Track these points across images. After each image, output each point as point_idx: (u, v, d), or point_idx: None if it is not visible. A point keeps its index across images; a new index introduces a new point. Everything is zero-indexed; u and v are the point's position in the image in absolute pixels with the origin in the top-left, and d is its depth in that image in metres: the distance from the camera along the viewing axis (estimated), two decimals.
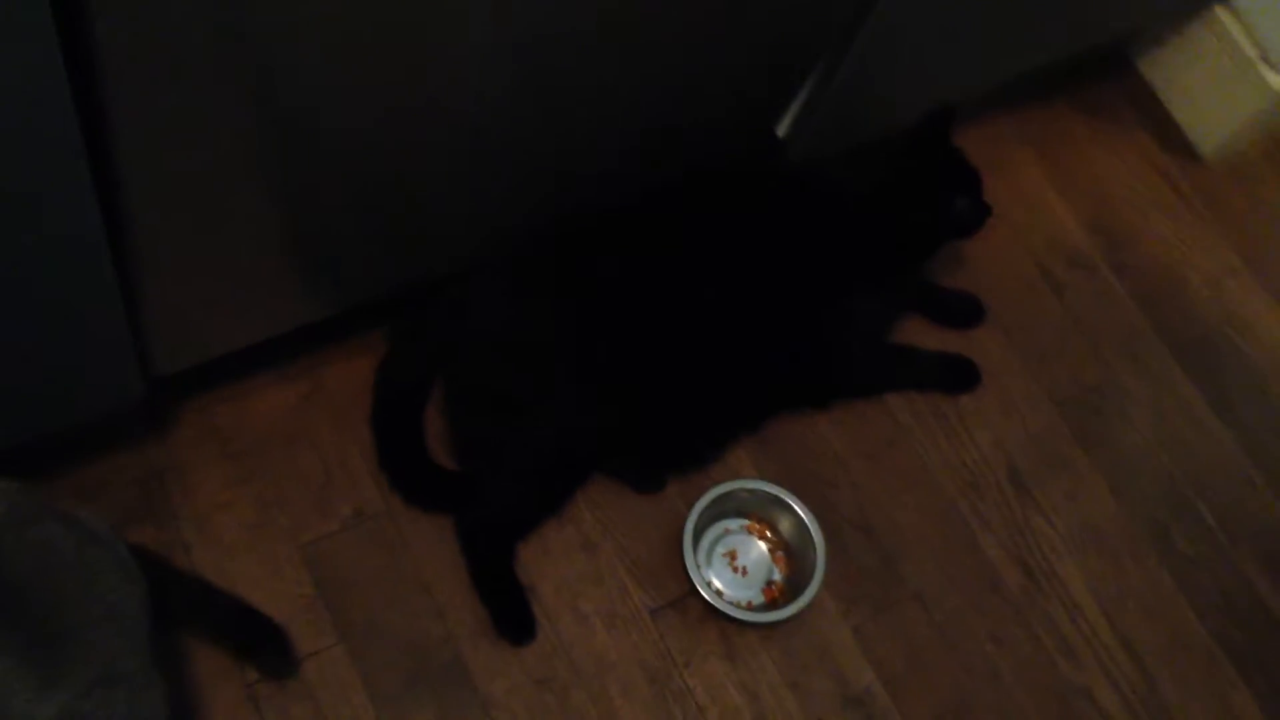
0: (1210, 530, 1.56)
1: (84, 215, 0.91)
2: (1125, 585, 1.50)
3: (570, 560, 1.37)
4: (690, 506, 1.39)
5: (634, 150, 1.32)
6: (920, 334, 1.58)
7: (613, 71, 1.14)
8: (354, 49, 0.91)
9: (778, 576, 1.41)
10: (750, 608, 1.37)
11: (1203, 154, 1.83)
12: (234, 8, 0.81)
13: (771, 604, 1.38)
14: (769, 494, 1.40)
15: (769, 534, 1.42)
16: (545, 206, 1.32)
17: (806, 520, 1.39)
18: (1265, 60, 1.71)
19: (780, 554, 1.41)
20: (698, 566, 1.36)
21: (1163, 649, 1.48)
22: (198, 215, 1.01)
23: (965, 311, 1.60)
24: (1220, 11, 1.73)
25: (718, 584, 1.38)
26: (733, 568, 1.40)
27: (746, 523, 1.42)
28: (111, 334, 1.07)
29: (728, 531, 1.42)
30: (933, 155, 1.41)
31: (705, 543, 1.40)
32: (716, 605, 1.34)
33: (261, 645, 1.26)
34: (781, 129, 1.43)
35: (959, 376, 1.55)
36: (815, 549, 1.38)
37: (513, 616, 1.32)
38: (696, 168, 1.40)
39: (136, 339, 1.10)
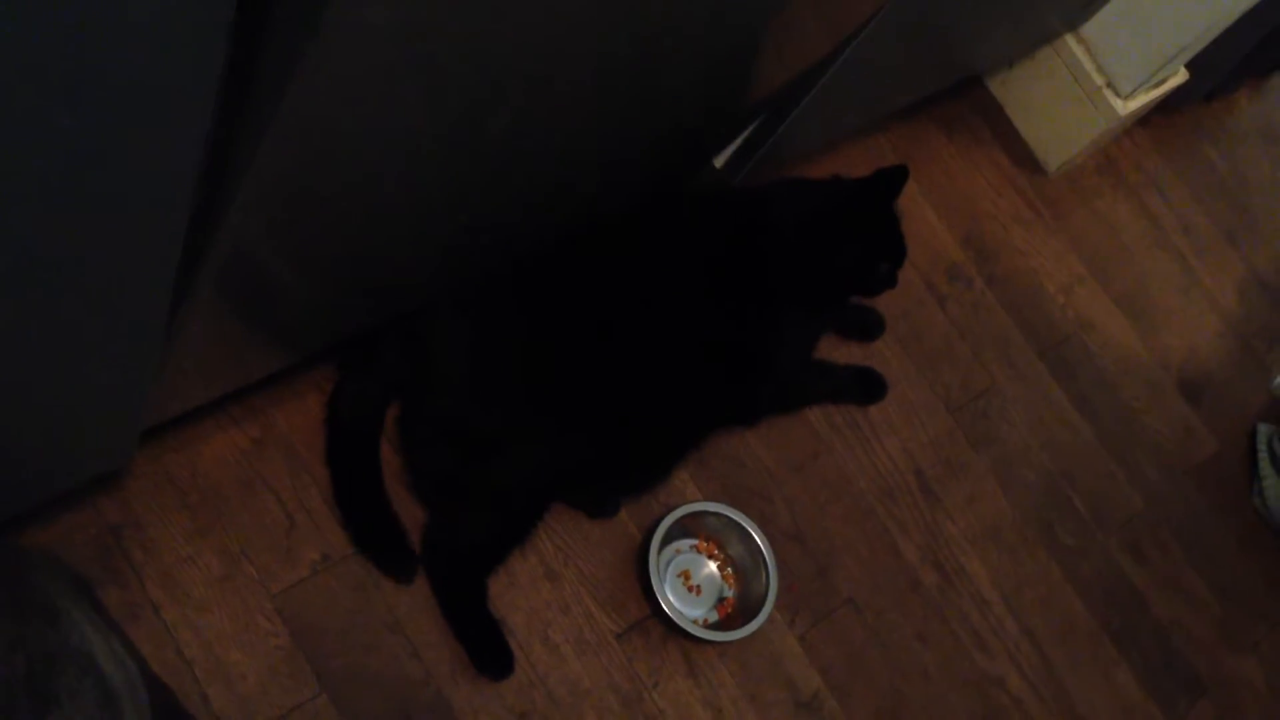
0: (1085, 522, 1.71)
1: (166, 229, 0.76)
2: (1022, 577, 1.64)
3: (537, 590, 1.39)
4: (641, 529, 1.43)
5: (586, 177, 1.33)
6: (825, 346, 1.66)
7: (567, 117, 1.14)
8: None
9: (729, 593, 1.46)
10: (705, 624, 1.42)
11: (1047, 169, 1.98)
12: None
13: (726, 620, 1.44)
14: (724, 516, 1.45)
15: (716, 552, 1.47)
16: (501, 242, 1.32)
17: (759, 540, 1.45)
18: (1110, 86, 1.87)
19: (729, 571, 1.47)
20: (662, 588, 1.40)
21: (1056, 635, 1.62)
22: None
23: (867, 325, 1.69)
24: (1070, 39, 1.87)
25: (675, 602, 1.43)
26: (687, 587, 1.45)
27: (695, 542, 1.47)
28: (137, 381, 1.00)
29: (678, 552, 1.47)
30: (875, 217, 1.47)
31: (659, 564, 1.44)
32: (683, 627, 1.38)
33: None
34: (719, 161, 1.48)
35: (870, 388, 1.64)
36: (766, 567, 1.44)
37: (490, 652, 1.33)
38: (647, 197, 1.43)
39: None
